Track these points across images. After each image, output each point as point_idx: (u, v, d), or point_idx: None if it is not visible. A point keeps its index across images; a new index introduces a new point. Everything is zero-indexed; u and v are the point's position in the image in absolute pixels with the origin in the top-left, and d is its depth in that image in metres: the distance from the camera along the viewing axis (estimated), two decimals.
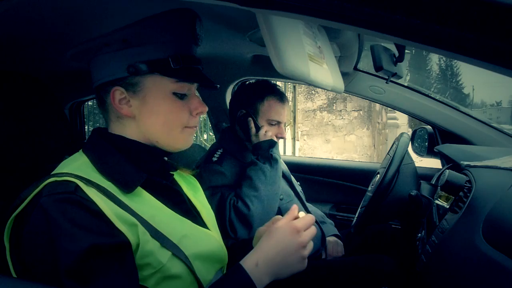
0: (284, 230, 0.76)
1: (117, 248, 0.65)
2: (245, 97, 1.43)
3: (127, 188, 0.72)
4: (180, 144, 0.81)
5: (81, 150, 0.78)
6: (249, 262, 0.73)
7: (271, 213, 1.32)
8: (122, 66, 0.73)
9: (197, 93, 0.84)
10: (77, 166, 0.72)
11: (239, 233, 1.27)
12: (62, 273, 0.60)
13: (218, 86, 0.84)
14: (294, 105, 5.50)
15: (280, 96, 1.42)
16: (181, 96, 0.77)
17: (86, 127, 1.97)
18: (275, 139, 1.41)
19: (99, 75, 0.76)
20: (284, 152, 5.32)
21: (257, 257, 0.74)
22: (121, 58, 0.73)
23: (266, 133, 1.38)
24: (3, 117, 0.88)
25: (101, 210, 0.65)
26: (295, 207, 0.82)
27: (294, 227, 0.76)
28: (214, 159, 1.38)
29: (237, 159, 1.41)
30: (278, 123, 1.42)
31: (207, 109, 0.82)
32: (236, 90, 1.56)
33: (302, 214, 0.81)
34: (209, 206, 0.95)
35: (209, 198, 1.12)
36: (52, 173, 0.70)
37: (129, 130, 0.78)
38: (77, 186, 0.66)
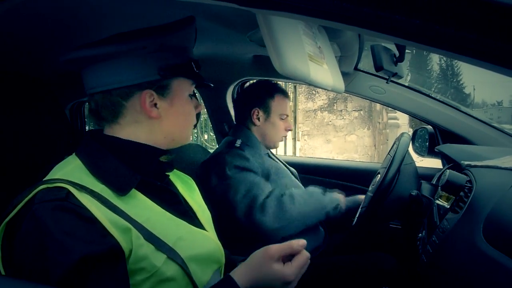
0: (273, 276, 0.73)
1: (109, 256, 0.65)
2: (255, 96, 1.50)
3: (121, 191, 0.71)
4: (188, 140, 0.87)
5: (74, 153, 0.77)
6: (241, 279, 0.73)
7: (298, 227, 1.35)
8: (153, 69, 0.75)
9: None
10: (70, 171, 0.71)
11: (259, 218, 1.28)
12: (53, 283, 0.60)
13: (212, 85, 0.91)
14: (295, 105, 5.49)
15: (284, 92, 1.54)
16: (194, 96, 0.85)
17: (87, 128, 1.97)
18: (285, 133, 1.54)
19: (115, 79, 0.74)
20: (285, 152, 5.31)
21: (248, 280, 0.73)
22: (152, 61, 0.75)
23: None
24: (4, 117, 0.88)
25: (93, 216, 0.65)
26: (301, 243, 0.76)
27: (285, 278, 0.73)
28: (237, 145, 1.45)
29: (256, 149, 1.48)
30: (286, 116, 1.53)
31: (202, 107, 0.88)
32: (242, 90, 1.60)
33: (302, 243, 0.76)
34: (205, 206, 0.94)
35: (237, 174, 1.29)
36: (44, 179, 0.70)
37: (141, 132, 0.78)
38: (69, 192, 0.66)
